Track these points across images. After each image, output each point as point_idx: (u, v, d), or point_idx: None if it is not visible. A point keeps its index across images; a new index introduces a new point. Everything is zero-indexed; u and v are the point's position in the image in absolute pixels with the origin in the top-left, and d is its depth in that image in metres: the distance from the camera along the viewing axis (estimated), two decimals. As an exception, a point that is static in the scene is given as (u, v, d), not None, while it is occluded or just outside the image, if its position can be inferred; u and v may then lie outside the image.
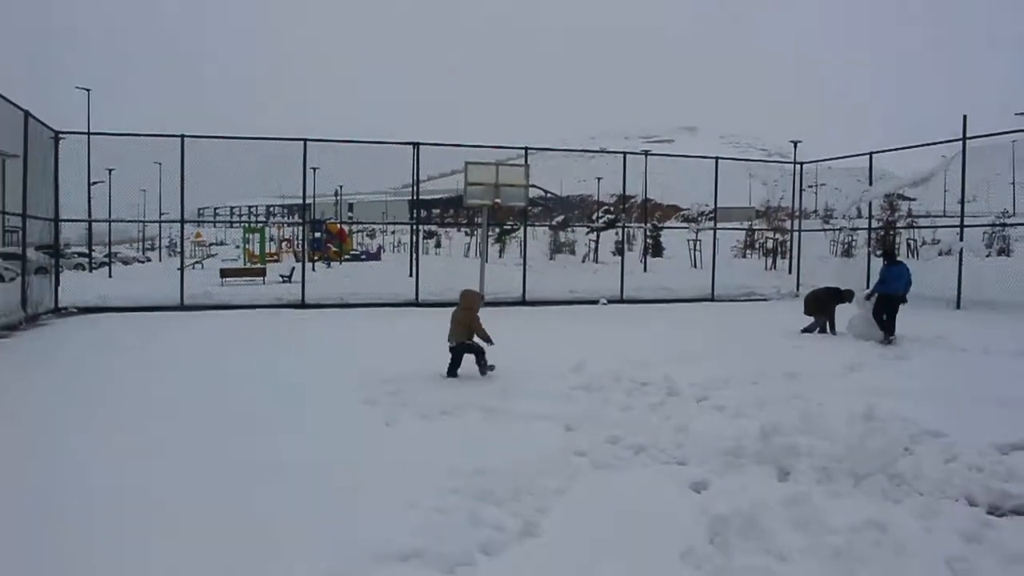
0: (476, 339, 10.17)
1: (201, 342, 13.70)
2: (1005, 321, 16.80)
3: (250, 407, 8.30)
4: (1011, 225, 35.09)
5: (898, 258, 15.01)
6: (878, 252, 22.89)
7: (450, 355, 10.13)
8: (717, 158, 25.08)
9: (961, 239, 20.73)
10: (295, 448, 6.67)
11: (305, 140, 20.51)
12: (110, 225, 42.35)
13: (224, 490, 5.58)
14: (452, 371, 10.05)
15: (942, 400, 8.63)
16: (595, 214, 48.92)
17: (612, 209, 44.03)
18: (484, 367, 10.08)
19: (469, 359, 10.15)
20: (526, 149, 22.64)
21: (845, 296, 15.14)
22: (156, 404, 8.45)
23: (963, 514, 5.15)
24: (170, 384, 9.62)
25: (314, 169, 25.90)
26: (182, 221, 20.89)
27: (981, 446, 6.53)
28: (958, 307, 19.49)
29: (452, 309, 10.48)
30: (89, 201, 24.11)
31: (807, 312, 15.31)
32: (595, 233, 43.49)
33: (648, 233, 42.18)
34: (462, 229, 60.90)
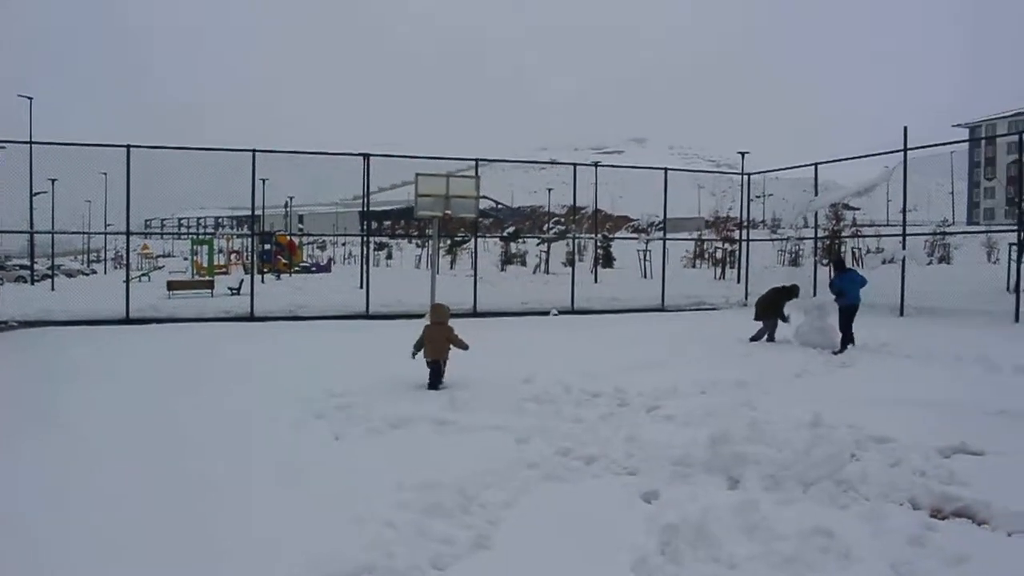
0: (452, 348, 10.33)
1: (145, 356, 13.43)
2: (947, 327, 17.17)
3: (197, 422, 8.16)
4: (950, 233, 36.04)
5: (848, 266, 15.27)
6: (824, 261, 23.30)
7: (428, 369, 10.19)
8: (666, 169, 25.33)
9: (904, 247, 21.21)
10: (244, 463, 6.57)
11: (254, 151, 20.26)
12: (53, 237, 41.43)
13: (171, 507, 5.46)
14: (434, 384, 10.08)
15: (887, 406, 8.77)
16: (546, 225, 49.15)
17: (563, 220, 44.27)
18: (436, 385, 10.08)
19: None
20: (476, 161, 22.66)
21: (792, 292, 15.44)
22: (98, 420, 8.24)
23: (908, 518, 5.25)
24: (113, 399, 9.38)
25: (263, 180, 25.66)
26: (127, 233, 20.52)
27: (924, 450, 6.67)
28: (902, 314, 19.89)
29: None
30: (31, 212, 23.57)
31: (758, 317, 15.49)
32: (546, 244, 43.64)
33: (598, 244, 42.38)
34: (413, 241, 60.74)
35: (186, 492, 5.79)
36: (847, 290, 14.13)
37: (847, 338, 13.87)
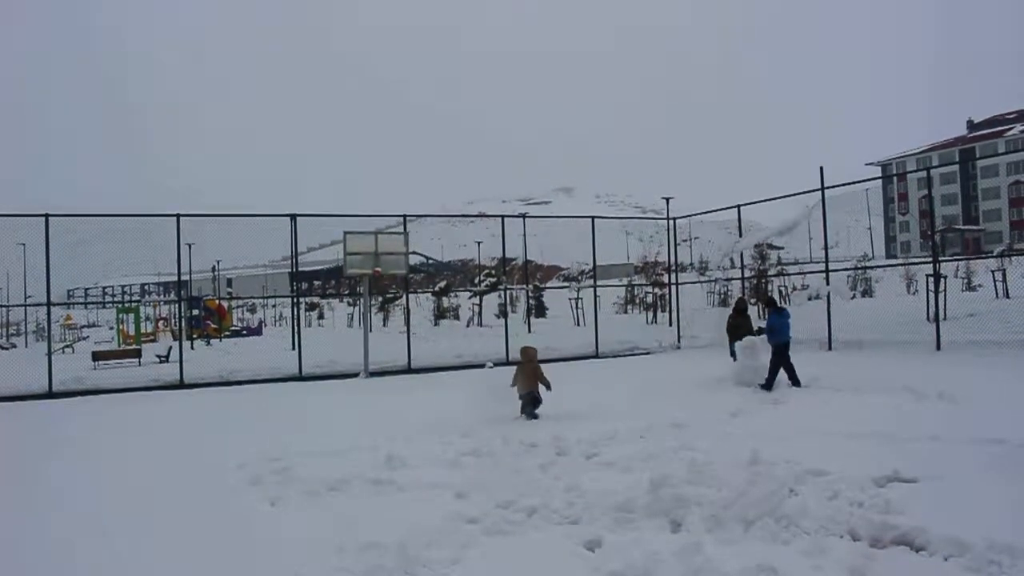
0: (540, 386, 11.96)
1: (68, 428, 12.93)
2: (873, 358, 17.58)
3: (123, 497, 7.84)
4: (871, 267, 37.10)
5: (780, 305, 15.69)
6: (753, 301, 23.74)
7: (520, 401, 11.90)
8: (593, 217, 25.62)
9: (827, 283, 21.74)
10: (179, 533, 6.34)
11: (178, 215, 19.95)
12: (-33, 313, 40.16)
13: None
14: (532, 414, 11.74)
15: (822, 439, 8.90)
16: (477, 278, 49.18)
17: (494, 272, 44.37)
18: (532, 414, 11.73)
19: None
20: (404, 217, 22.66)
21: (739, 304, 16.71)
22: (20, 494, 7.90)
23: (848, 549, 5.30)
24: (37, 472, 9.02)
25: (189, 245, 25.24)
26: (48, 304, 19.96)
27: (860, 481, 6.76)
28: (830, 348, 20.29)
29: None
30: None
31: (731, 338, 16.38)
32: (478, 297, 43.62)
33: (530, 294, 42.53)
34: (344, 299, 60.28)
35: (115, 568, 5.54)
36: (777, 330, 14.41)
37: (775, 376, 14.06)
